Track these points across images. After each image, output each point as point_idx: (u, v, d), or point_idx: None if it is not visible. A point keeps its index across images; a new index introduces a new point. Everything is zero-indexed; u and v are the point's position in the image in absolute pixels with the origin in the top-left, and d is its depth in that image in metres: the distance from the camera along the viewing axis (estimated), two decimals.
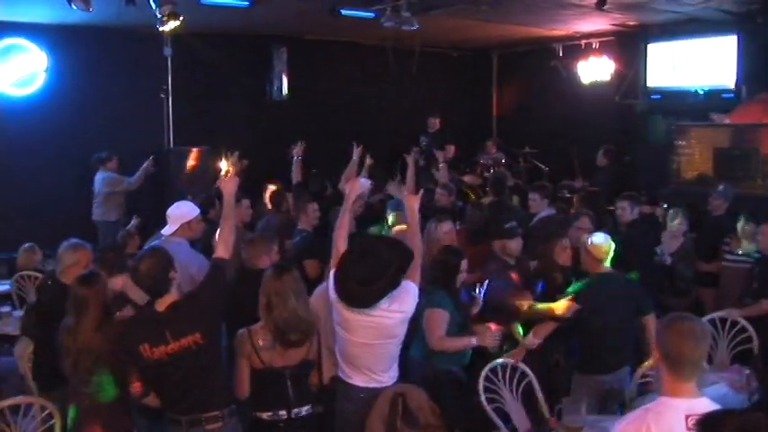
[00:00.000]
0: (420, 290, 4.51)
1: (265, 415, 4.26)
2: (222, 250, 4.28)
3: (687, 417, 2.70)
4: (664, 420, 2.72)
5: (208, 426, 3.99)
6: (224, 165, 4.70)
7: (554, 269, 5.89)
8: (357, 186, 5.07)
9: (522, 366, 5.17)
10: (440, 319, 5.10)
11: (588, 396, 5.00)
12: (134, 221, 8.52)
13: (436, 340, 5.09)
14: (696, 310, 6.79)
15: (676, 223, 7.59)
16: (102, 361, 4.14)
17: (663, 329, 2.90)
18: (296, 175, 8.91)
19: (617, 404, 5.17)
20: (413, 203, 4.81)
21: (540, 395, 5.15)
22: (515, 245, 6.18)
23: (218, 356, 4.17)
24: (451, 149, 11.62)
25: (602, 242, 5.42)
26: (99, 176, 10.30)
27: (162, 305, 4.04)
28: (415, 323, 4.89)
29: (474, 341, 5.15)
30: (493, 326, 5.18)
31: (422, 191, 5.63)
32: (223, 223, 4.41)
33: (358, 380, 4.43)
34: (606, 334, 5.28)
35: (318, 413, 4.44)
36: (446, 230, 6.39)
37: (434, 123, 12.36)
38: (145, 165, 10.36)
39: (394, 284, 4.23)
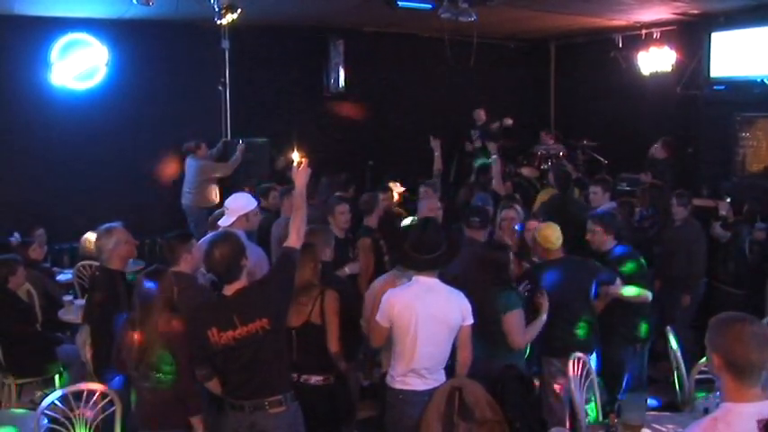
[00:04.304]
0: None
1: None
2: (294, 239, 4.27)
3: (759, 421, 2.60)
4: (735, 429, 2.62)
5: (271, 410, 4.03)
6: (296, 156, 4.67)
7: None
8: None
9: (585, 358, 5.11)
10: (521, 317, 5.09)
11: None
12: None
13: (522, 339, 5.11)
14: None
15: None
16: (171, 349, 4.16)
17: (721, 334, 2.73)
18: (437, 164, 9.32)
19: None
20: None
21: (598, 391, 5.11)
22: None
23: (284, 342, 4.21)
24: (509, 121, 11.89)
25: (549, 230, 5.68)
26: (191, 164, 10.51)
27: (230, 290, 4.08)
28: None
29: (544, 317, 5.24)
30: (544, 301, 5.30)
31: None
32: (295, 213, 4.40)
33: (419, 384, 4.42)
34: (561, 318, 5.45)
35: (330, 386, 4.64)
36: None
37: (480, 115, 12.29)
38: (238, 150, 10.54)
39: (444, 262, 4.54)
